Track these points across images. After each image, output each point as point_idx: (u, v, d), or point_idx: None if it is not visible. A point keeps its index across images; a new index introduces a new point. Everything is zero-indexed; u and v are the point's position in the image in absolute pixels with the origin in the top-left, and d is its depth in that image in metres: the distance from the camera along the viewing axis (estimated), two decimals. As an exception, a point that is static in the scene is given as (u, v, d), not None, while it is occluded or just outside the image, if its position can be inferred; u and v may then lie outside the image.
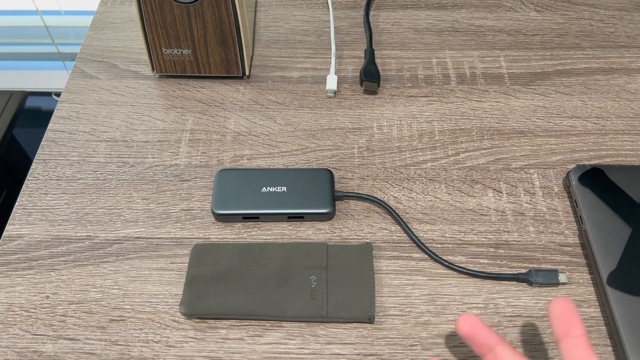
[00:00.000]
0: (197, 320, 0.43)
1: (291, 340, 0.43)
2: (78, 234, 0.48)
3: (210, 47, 0.56)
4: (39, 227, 0.49)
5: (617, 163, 0.53)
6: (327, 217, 0.49)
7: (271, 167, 0.53)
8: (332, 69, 0.60)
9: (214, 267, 0.45)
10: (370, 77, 0.58)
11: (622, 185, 0.48)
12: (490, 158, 0.53)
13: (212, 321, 0.43)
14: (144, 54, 0.60)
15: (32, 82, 1.29)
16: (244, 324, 0.43)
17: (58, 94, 1.29)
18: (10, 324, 0.43)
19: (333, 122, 0.56)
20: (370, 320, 0.43)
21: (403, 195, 0.51)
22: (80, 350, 0.42)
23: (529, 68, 0.61)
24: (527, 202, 0.50)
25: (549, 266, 0.46)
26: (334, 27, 0.65)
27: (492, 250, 0.47)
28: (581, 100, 0.58)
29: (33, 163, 0.53)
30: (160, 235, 0.48)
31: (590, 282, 0.45)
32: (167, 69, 0.58)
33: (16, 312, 0.44)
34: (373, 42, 0.63)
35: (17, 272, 0.46)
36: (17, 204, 0.50)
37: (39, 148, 0.54)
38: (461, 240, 0.48)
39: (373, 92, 0.59)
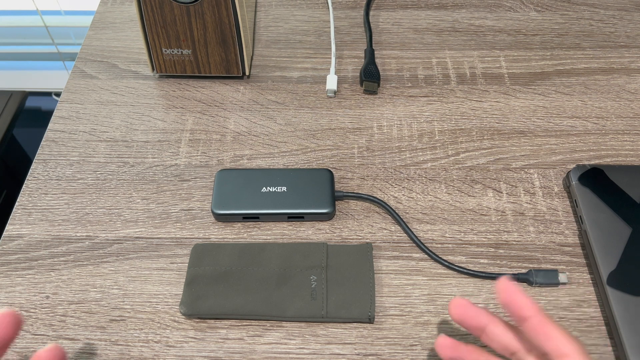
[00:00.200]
0: (197, 320, 0.43)
1: (291, 340, 0.43)
2: (78, 234, 0.48)
3: (210, 47, 0.56)
4: (39, 227, 0.49)
5: (617, 163, 0.53)
6: (327, 217, 0.48)
7: (271, 167, 0.53)
8: (332, 69, 0.60)
9: (214, 267, 0.45)
10: (370, 77, 0.58)
11: (622, 185, 0.48)
12: (490, 158, 0.53)
13: (212, 321, 0.43)
14: (144, 54, 0.60)
15: (32, 82, 1.29)
16: (244, 324, 0.43)
17: (58, 94, 1.28)
18: (10, 324, 0.43)
19: (333, 122, 0.56)
20: (370, 320, 0.43)
21: (403, 195, 0.51)
22: (80, 350, 0.42)
23: (529, 68, 0.61)
24: (527, 202, 0.50)
25: (549, 266, 0.46)
26: (334, 27, 0.65)
27: (492, 250, 0.47)
28: (581, 100, 0.58)
29: (33, 163, 0.53)
30: (160, 235, 0.48)
31: (590, 282, 0.45)
32: (167, 69, 0.58)
33: (16, 312, 0.44)
34: (373, 42, 0.63)
35: (17, 272, 0.46)
36: (17, 204, 0.50)
37: (39, 148, 0.54)
38: (461, 240, 0.48)
39: (373, 92, 0.59)
